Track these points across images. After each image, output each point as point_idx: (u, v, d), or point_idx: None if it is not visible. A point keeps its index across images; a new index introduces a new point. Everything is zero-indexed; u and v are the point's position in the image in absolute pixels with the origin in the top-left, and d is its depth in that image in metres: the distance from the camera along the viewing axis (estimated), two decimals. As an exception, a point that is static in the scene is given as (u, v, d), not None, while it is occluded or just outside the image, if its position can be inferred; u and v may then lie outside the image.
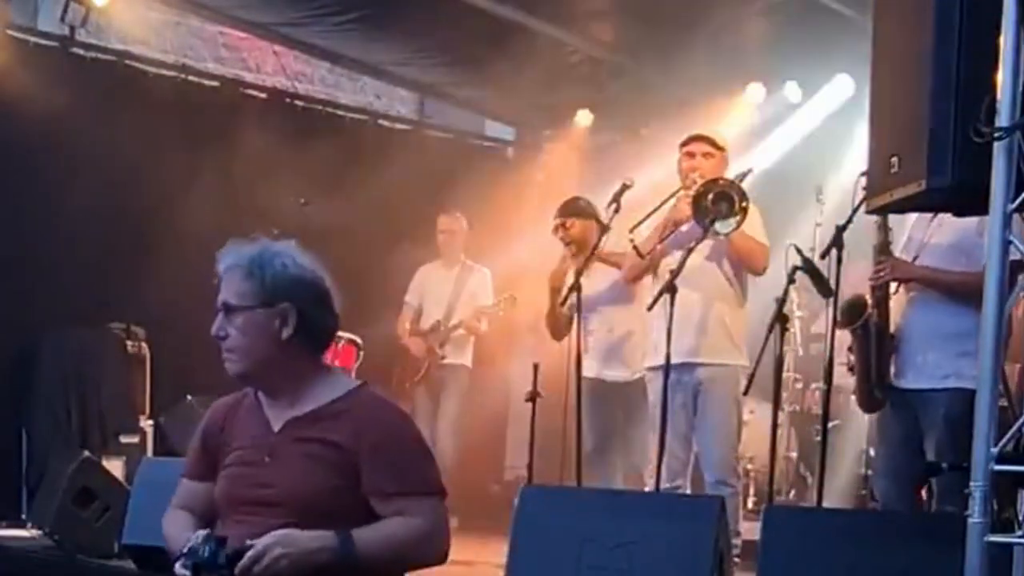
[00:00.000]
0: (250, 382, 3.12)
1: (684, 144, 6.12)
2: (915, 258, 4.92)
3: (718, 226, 5.72)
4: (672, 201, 6.07)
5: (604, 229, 6.30)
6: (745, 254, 5.92)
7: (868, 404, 5.11)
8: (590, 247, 6.48)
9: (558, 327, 6.71)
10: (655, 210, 6.13)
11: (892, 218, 4.87)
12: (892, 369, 4.91)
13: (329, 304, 3.05)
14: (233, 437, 3.10)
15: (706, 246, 5.88)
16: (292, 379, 3.05)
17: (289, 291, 2.99)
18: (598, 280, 6.55)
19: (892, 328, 4.92)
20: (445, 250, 8.34)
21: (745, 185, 5.86)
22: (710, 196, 5.74)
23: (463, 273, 8.23)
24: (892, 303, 4.94)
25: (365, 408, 3.02)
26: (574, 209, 6.81)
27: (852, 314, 4.95)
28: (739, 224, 5.73)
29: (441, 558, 3.04)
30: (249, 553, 2.83)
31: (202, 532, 2.93)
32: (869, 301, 4.91)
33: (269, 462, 3.00)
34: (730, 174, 6.02)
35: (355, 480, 2.96)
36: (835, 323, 5.17)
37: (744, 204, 5.71)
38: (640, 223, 6.11)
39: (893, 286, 4.94)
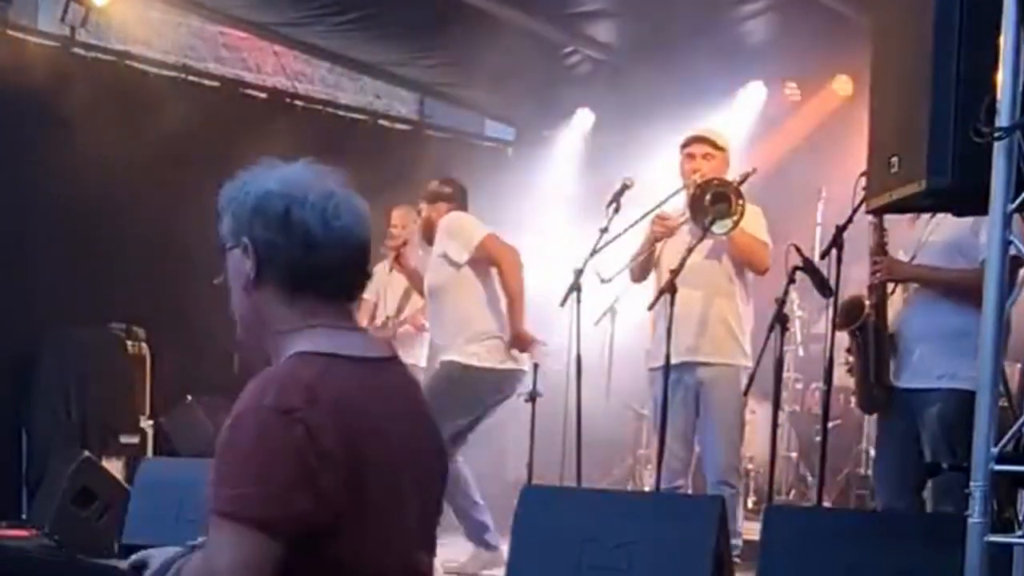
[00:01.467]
0: (243, 351, 2.49)
1: (684, 145, 6.11)
2: (913, 257, 4.92)
3: (716, 227, 5.72)
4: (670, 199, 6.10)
5: (603, 231, 6.29)
6: (746, 253, 5.92)
7: (868, 405, 5.12)
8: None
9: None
10: (651, 210, 6.13)
11: (888, 218, 4.87)
12: (891, 368, 4.91)
13: (296, 223, 2.22)
14: None
15: (706, 245, 5.87)
16: (275, 341, 2.29)
17: (250, 222, 2.30)
18: None
19: (890, 328, 4.93)
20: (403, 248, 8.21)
21: (746, 185, 5.86)
22: (707, 197, 5.74)
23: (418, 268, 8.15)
24: (890, 303, 4.95)
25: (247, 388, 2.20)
26: (437, 193, 6.83)
27: (850, 315, 4.96)
28: (736, 224, 5.72)
29: None
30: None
31: None
32: (867, 302, 4.91)
33: None
34: (732, 174, 6.01)
35: None
36: (835, 323, 5.17)
37: (741, 204, 5.70)
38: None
39: (890, 286, 4.94)
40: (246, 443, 2.10)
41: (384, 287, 8.23)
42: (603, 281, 6.18)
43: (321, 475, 2.05)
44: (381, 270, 8.27)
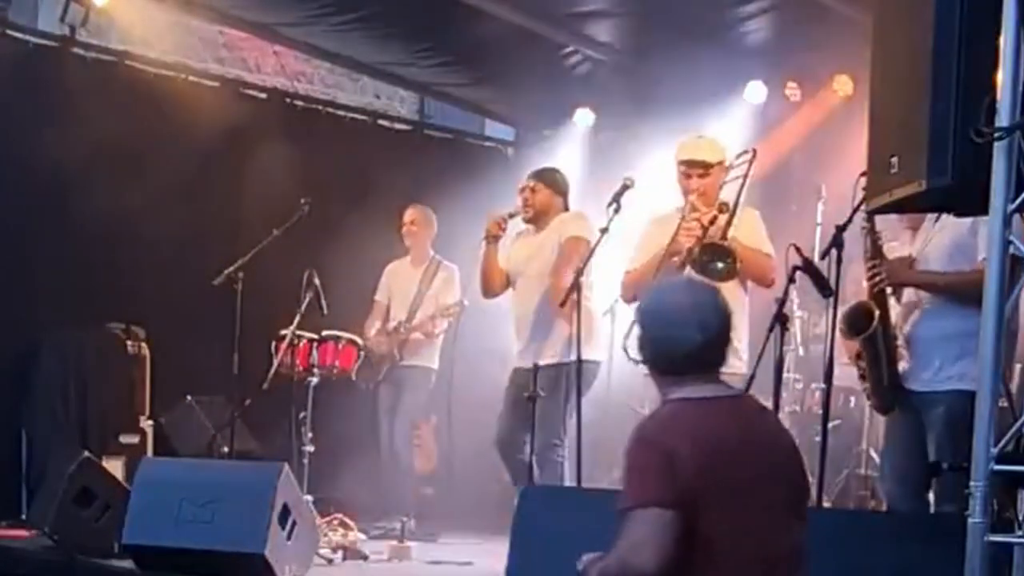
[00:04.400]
0: None
1: (679, 162, 6.10)
2: (914, 262, 4.92)
3: (714, 268, 5.73)
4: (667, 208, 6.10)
5: (603, 231, 6.29)
6: (755, 272, 5.90)
7: (885, 408, 5.08)
8: (545, 219, 6.67)
9: (489, 282, 6.80)
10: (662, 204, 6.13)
11: (881, 220, 4.86)
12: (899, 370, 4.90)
13: (666, 329, 3.21)
14: None
15: None
16: (660, 397, 3.28)
17: (642, 331, 3.29)
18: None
19: (894, 329, 4.92)
20: (412, 244, 8.16)
21: (742, 167, 5.86)
22: (704, 257, 5.75)
23: (430, 270, 8.06)
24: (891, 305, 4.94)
25: None
26: (548, 178, 6.85)
27: (859, 324, 4.91)
28: (731, 274, 5.72)
29: (643, 569, 2.98)
30: None
31: None
32: (875, 308, 4.88)
33: None
34: (729, 158, 6.02)
35: None
36: (835, 323, 5.15)
37: (737, 265, 5.71)
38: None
39: (889, 289, 4.94)
40: (632, 463, 3.08)
41: (393, 289, 8.23)
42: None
43: (677, 476, 2.98)
44: (392, 271, 8.28)
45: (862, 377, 5.07)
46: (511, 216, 6.76)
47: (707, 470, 3.02)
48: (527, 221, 6.79)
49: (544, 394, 6.23)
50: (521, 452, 6.36)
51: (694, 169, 6.02)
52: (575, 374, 6.23)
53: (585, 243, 6.41)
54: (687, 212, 5.95)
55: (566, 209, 6.79)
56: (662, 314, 3.24)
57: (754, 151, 6.03)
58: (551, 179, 6.85)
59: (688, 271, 5.74)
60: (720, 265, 5.72)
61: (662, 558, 2.94)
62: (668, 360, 3.22)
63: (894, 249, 5.02)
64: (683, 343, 3.18)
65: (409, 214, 8.15)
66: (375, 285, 8.27)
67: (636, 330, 3.29)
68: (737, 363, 5.93)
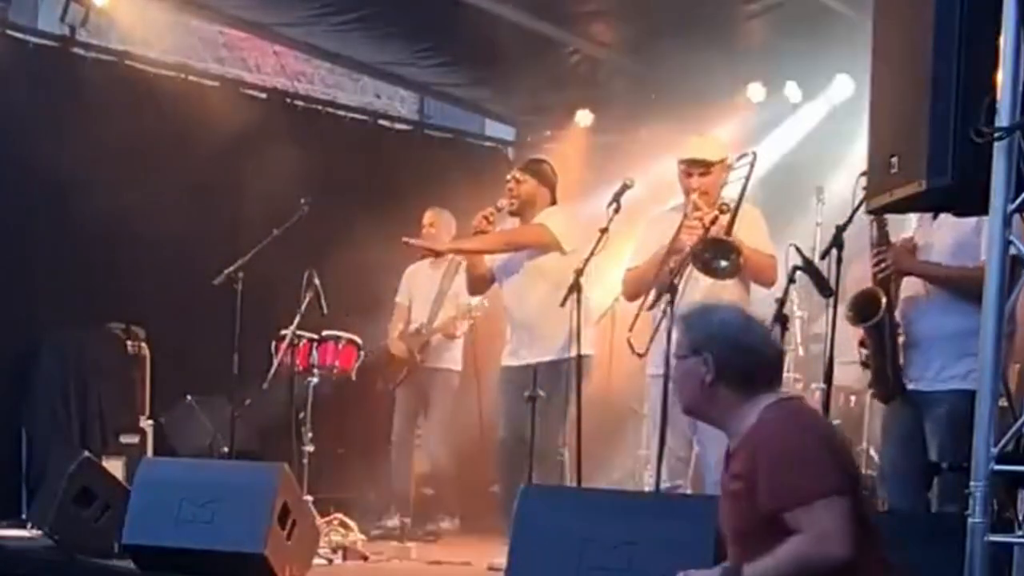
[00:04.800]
0: (696, 417, 3.67)
1: (680, 161, 6.10)
2: (917, 247, 4.91)
3: (717, 266, 5.72)
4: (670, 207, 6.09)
5: (603, 231, 6.29)
6: (758, 272, 5.90)
7: (888, 397, 5.07)
8: (531, 211, 6.55)
9: (475, 280, 6.78)
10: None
11: (890, 217, 4.86)
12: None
13: (749, 348, 3.36)
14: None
15: None
16: (725, 417, 3.39)
17: (709, 342, 3.36)
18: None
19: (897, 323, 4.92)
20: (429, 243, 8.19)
21: (743, 168, 5.86)
22: (706, 254, 5.75)
23: (450, 271, 8.04)
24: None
25: (758, 432, 3.28)
26: (534, 168, 6.76)
27: (867, 309, 4.90)
28: (735, 271, 5.72)
29: (841, 556, 3.09)
30: None
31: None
32: (882, 295, 4.86)
33: (722, 499, 3.43)
34: (731, 158, 6.02)
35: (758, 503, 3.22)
36: (835, 323, 5.15)
37: (741, 261, 5.71)
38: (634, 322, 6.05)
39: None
40: (796, 449, 3.19)
41: (414, 291, 8.23)
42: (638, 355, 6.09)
43: (841, 463, 3.22)
44: (412, 273, 8.28)
45: (864, 364, 5.07)
46: (498, 210, 6.67)
47: (847, 455, 3.39)
48: (512, 214, 6.67)
49: (543, 393, 6.22)
50: (526, 451, 6.34)
51: (695, 168, 6.01)
52: (573, 370, 6.22)
53: (547, 235, 6.40)
54: (689, 211, 5.94)
55: (553, 202, 6.67)
56: (747, 331, 3.40)
57: (754, 154, 6.03)
58: (536, 169, 6.75)
59: (691, 270, 5.75)
60: (724, 263, 5.71)
61: (852, 543, 3.09)
62: (753, 373, 3.35)
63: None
64: (768, 356, 3.40)
65: (428, 217, 8.13)
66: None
67: (710, 351, 3.34)
68: None
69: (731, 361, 3.33)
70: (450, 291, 7.99)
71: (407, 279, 8.26)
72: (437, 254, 6.54)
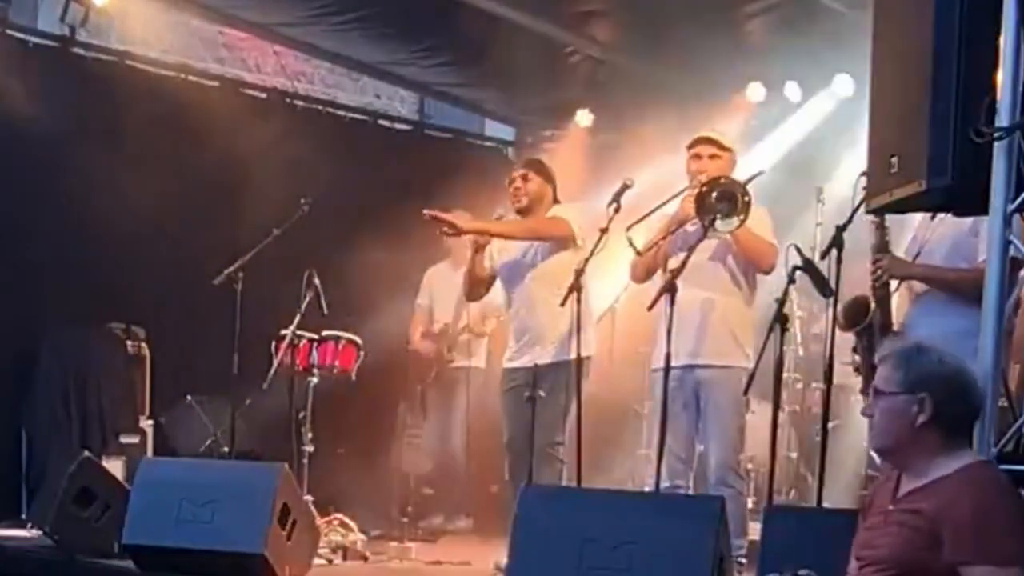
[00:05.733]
0: (886, 457, 3.57)
1: (691, 146, 6.11)
2: (916, 257, 4.92)
3: (719, 224, 5.71)
4: (676, 199, 6.07)
5: (603, 231, 6.29)
6: (753, 253, 5.91)
7: None
8: (538, 211, 6.47)
9: (474, 286, 6.74)
10: (653, 210, 6.11)
11: (890, 218, 4.87)
12: None
13: (968, 396, 3.31)
14: (873, 503, 3.51)
15: (711, 245, 5.87)
16: (922, 457, 3.31)
17: (928, 383, 3.27)
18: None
19: (895, 327, 4.93)
20: (453, 249, 8.15)
21: (752, 185, 5.86)
22: (713, 195, 5.74)
23: None
24: (894, 301, 4.94)
25: (963, 482, 3.23)
26: (540, 167, 6.70)
27: (856, 315, 4.95)
28: (741, 223, 5.71)
29: None
30: None
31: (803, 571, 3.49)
32: (872, 301, 4.91)
33: (882, 525, 3.37)
34: (739, 175, 6.01)
35: (938, 548, 3.18)
36: (835, 323, 5.16)
37: (747, 201, 5.70)
38: (637, 222, 6.08)
39: (894, 284, 4.94)
40: (1012, 515, 3.17)
41: (435, 292, 8.26)
42: (637, 252, 6.08)
43: None
44: (432, 275, 8.31)
45: (856, 371, 5.09)
46: (499, 218, 6.63)
47: None
48: (519, 212, 6.57)
49: (544, 394, 6.21)
50: (530, 452, 6.34)
51: (707, 148, 6.01)
52: (575, 372, 6.21)
53: (568, 228, 6.35)
54: (694, 184, 5.95)
55: (556, 201, 6.59)
56: (966, 375, 3.32)
57: (761, 171, 6.06)
58: (542, 168, 6.69)
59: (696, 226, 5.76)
60: (727, 206, 5.70)
61: None
62: (963, 421, 3.33)
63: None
64: (979, 406, 3.37)
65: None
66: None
67: (928, 391, 3.27)
68: (743, 358, 5.94)
69: (949, 406, 3.26)
70: None
71: (428, 280, 8.32)
72: (458, 232, 6.44)
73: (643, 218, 6.07)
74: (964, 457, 3.29)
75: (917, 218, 5.00)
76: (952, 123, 3.61)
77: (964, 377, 3.31)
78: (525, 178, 6.60)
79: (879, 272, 4.89)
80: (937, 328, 4.78)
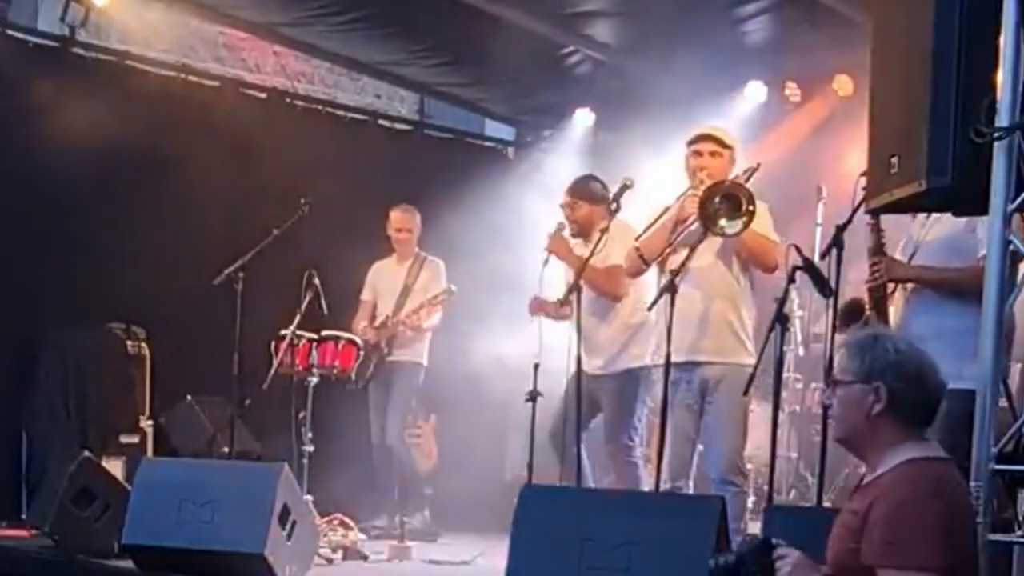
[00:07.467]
0: (846, 447, 3.45)
1: (691, 143, 6.09)
2: (912, 256, 4.92)
3: (725, 226, 5.71)
4: (678, 201, 6.07)
5: (603, 231, 6.29)
6: (758, 252, 5.91)
7: None
8: (593, 231, 6.55)
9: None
10: (658, 218, 6.10)
11: (887, 219, 4.87)
12: None
13: (924, 385, 3.26)
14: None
15: (714, 244, 5.87)
16: (878, 449, 3.27)
17: (884, 372, 3.23)
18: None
19: (892, 328, 4.92)
20: (398, 246, 8.17)
21: (751, 182, 5.86)
22: (716, 198, 5.73)
23: (415, 267, 8.08)
24: (890, 303, 4.94)
25: (892, 480, 3.19)
26: (586, 192, 6.82)
27: (851, 317, 4.97)
28: (746, 225, 5.71)
29: None
30: (780, 550, 3.19)
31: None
32: (867, 303, 4.91)
33: (836, 526, 3.33)
34: (737, 171, 6.01)
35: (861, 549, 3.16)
36: (835, 323, 5.17)
37: (751, 207, 5.69)
38: (645, 231, 6.10)
39: (890, 286, 4.94)
40: (925, 519, 3.06)
41: (379, 287, 8.23)
42: (645, 263, 6.15)
43: (955, 544, 3.08)
44: (377, 270, 8.28)
45: None
46: (560, 229, 6.76)
47: (971, 538, 3.20)
48: (574, 235, 6.78)
49: (615, 398, 6.48)
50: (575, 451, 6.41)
51: (707, 144, 6.01)
52: (642, 381, 6.44)
53: (621, 287, 6.53)
54: (695, 184, 5.94)
55: (610, 213, 6.36)
56: (924, 365, 3.28)
57: (758, 165, 6.04)
58: (585, 192, 6.82)
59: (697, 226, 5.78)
60: (731, 208, 5.70)
61: None
62: (922, 408, 3.27)
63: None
64: (938, 395, 3.30)
65: (397, 220, 8.14)
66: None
67: (883, 381, 3.23)
68: (745, 355, 5.94)
69: (904, 395, 3.22)
70: (416, 286, 8.03)
71: (373, 275, 8.25)
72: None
73: (649, 227, 6.07)
74: (910, 451, 3.22)
75: (919, 218, 5.00)
76: (952, 123, 3.62)
77: (920, 366, 3.26)
78: (572, 207, 6.78)
79: (877, 275, 4.89)
80: (932, 326, 4.78)
